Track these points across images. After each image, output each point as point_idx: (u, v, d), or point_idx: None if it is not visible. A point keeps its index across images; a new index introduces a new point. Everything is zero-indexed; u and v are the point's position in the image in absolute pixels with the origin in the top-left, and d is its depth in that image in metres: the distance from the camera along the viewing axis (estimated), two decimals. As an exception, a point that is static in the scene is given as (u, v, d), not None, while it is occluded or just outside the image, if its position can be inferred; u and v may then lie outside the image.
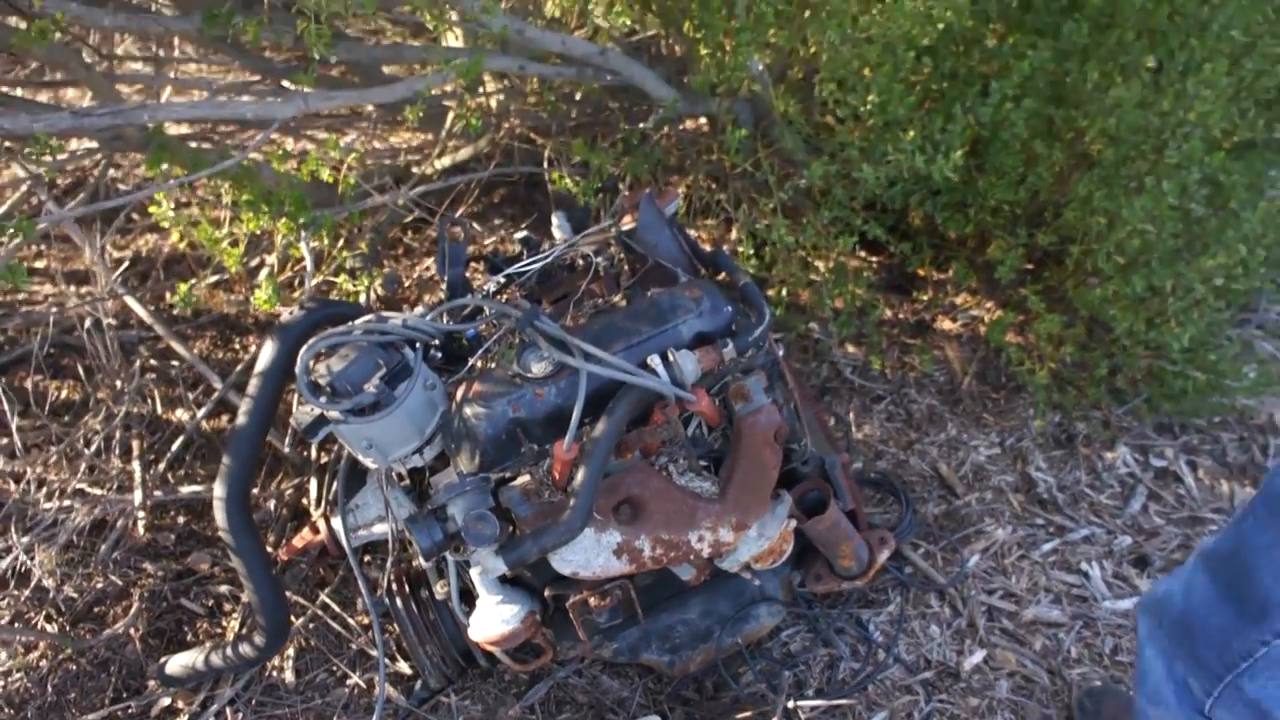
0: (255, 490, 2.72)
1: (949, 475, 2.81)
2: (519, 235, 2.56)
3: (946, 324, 3.23)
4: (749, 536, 2.02)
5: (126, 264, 3.47)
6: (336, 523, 2.26)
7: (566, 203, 2.84)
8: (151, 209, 2.34)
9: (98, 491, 2.72)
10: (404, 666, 2.41)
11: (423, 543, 1.87)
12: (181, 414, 2.99)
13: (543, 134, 2.79)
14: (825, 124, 2.79)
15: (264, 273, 2.60)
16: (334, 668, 2.41)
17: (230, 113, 2.16)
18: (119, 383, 2.82)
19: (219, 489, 2.14)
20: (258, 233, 2.45)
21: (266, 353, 2.15)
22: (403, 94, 2.18)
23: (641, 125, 2.70)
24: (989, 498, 2.75)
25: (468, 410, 1.94)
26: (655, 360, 1.89)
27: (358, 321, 2.08)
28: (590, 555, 1.94)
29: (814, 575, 2.28)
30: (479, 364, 2.10)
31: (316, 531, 2.35)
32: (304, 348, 2.00)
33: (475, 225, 3.34)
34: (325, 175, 2.44)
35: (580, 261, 2.36)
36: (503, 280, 2.33)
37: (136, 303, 2.77)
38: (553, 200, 3.02)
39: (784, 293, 2.96)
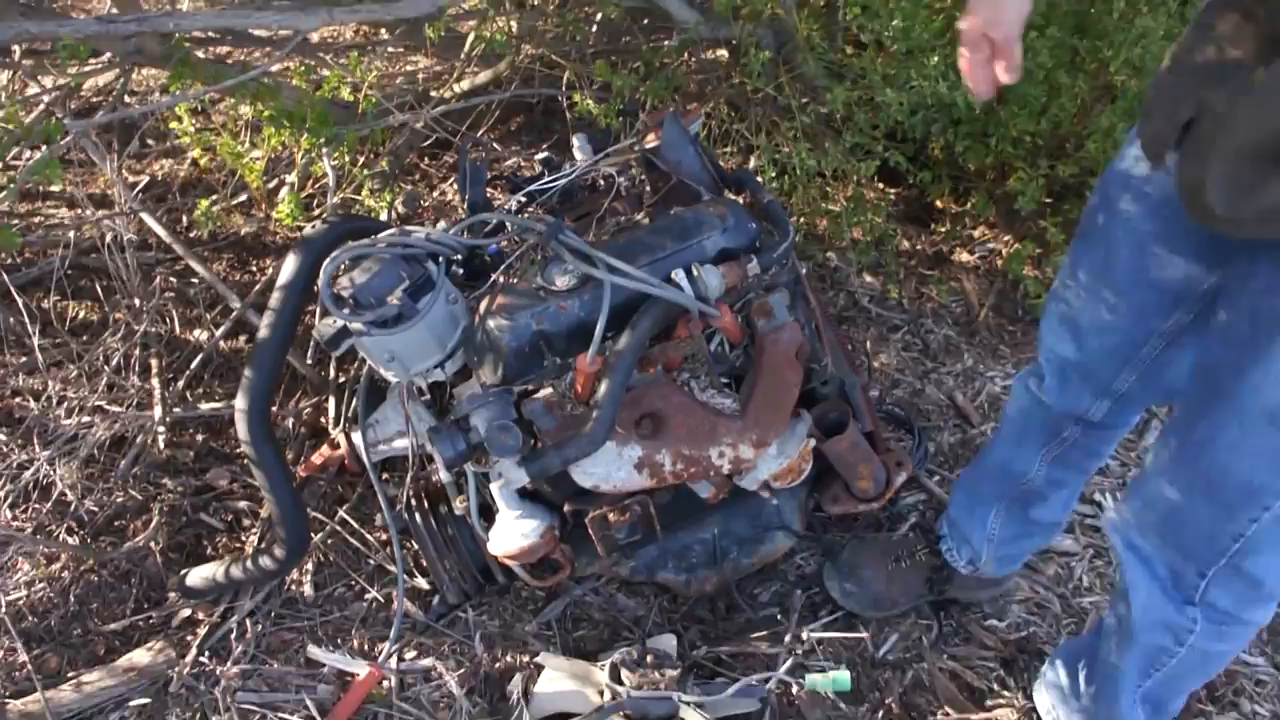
0: (274, 409, 2.73)
1: (965, 405, 2.82)
2: (540, 156, 2.55)
3: (964, 256, 3.22)
4: (769, 454, 2.03)
5: (142, 187, 3.47)
6: (357, 437, 2.28)
7: (587, 124, 2.82)
8: (173, 124, 2.34)
9: (117, 409, 2.73)
10: (422, 582, 2.43)
11: (445, 453, 1.88)
12: (200, 334, 3.00)
13: (563, 59, 2.76)
14: (848, 51, 2.76)
15: (284, 190, 2.58)
16: (352, 582, 2.44)
17: (255, 21, 2.15)
18: (137, 301, 2.82)
19: (240, 401, 2.14)
20: (278, 152, 2.44)
21: (289, 266, 2.15)
22: (426, 8, 2.17)
23: (665, 44, 2.67)
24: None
25: (491, 323, 1.94)
26: (679, 274, 1.89)
27: (381, 235, 2.08)
28: (612, 468, 1.96)
29: (831, 496, 2.29)
30: (502, 279, 2.11)
31: (336, 447, 2.37)
32: (327, 260, 2.00)
33: (496, 146, 3.33)
34: (345, 94, 2.42)
35: (602, 181, 2.35)
36: (524, 199, 2.33)
37: (155, 222, 2.76)
38: (571, 124, 3.00)
39: (802, 221, 2.95)
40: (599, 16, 2.87)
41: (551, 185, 2.29)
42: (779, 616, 2.35)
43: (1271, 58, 1.29)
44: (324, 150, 2.25)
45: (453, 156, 3.61)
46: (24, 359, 2.87)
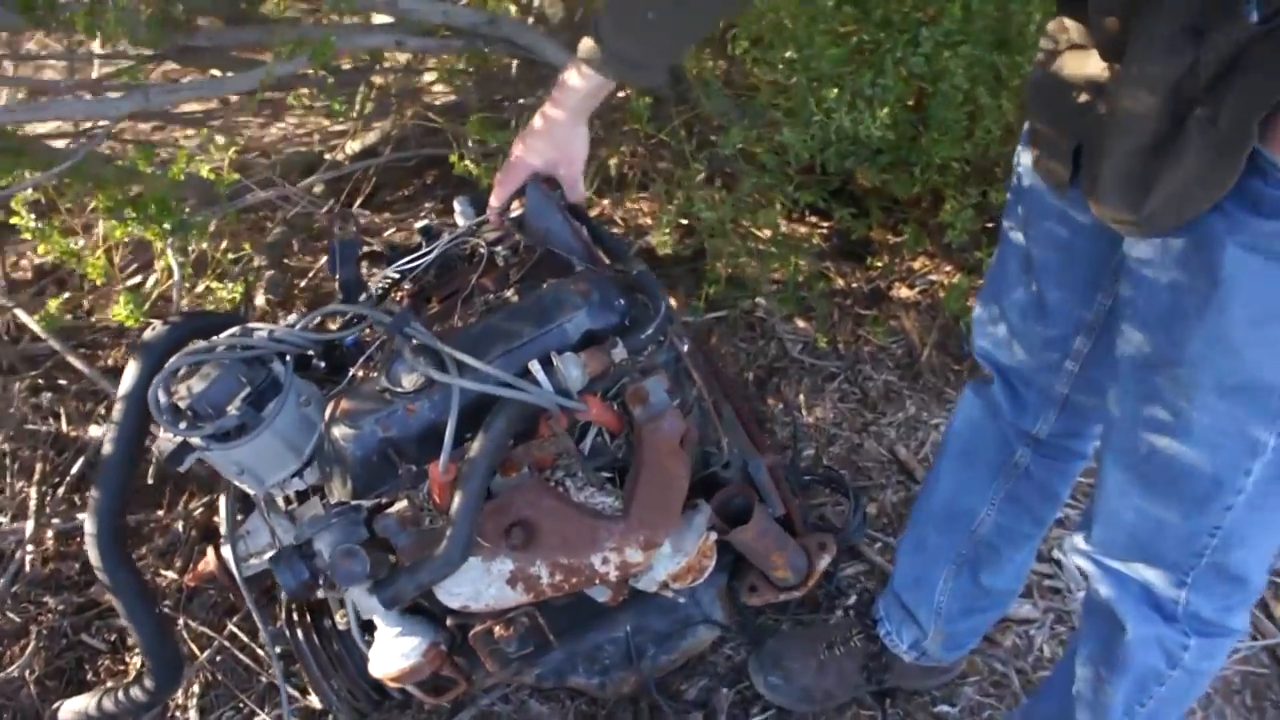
0: (161, 512, 2.54)
1: (908, 459, 2.61)
2: (419, 225, 2.36)
3: (904, 291, 3.01)
4: (662, 554, 1.82)
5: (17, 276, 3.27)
6: (226, 551, 2.08)
7: (472, 186, 2.63)
8: (14, 219, 2.14)
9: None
10: (316, 701, 2.22)
11: (287, 582, 1.68)
12: (93, 430, 2.80)
13: (452, 112, 2.57)
14: (752, 83, 2.56)
15: (130, 286, 2.38)
16: (241, 705, 2.23)
17: (56, 113, 1.96)
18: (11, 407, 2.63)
19: (89, 524, 1.95)
20: (122, 243, 2.25)
21: (129, 375, 1.96)
22: (249, 83, 1.97)
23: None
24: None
25: (335, 431, 1.74)
26: (536, 366, 1.68)
27: (220, 336, 1.89)
28: (480, 586, 1.75)
29: (748, 586, 2.09)
30: (360, 374, 1.91)
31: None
32: (163, 369, 1.81)
33: (374, 217, 3.12)
34: (204, 171, 2.23)
35: (483, 252, 2.15)
36: (394, 276, 2.13)
37: (27, 316, 2.56)
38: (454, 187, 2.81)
39: (720, 265, 2.75)
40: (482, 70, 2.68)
41: (416, 261, 2.08)
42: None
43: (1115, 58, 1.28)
44: (169, 241, 2.06)
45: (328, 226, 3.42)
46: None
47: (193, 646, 2.28)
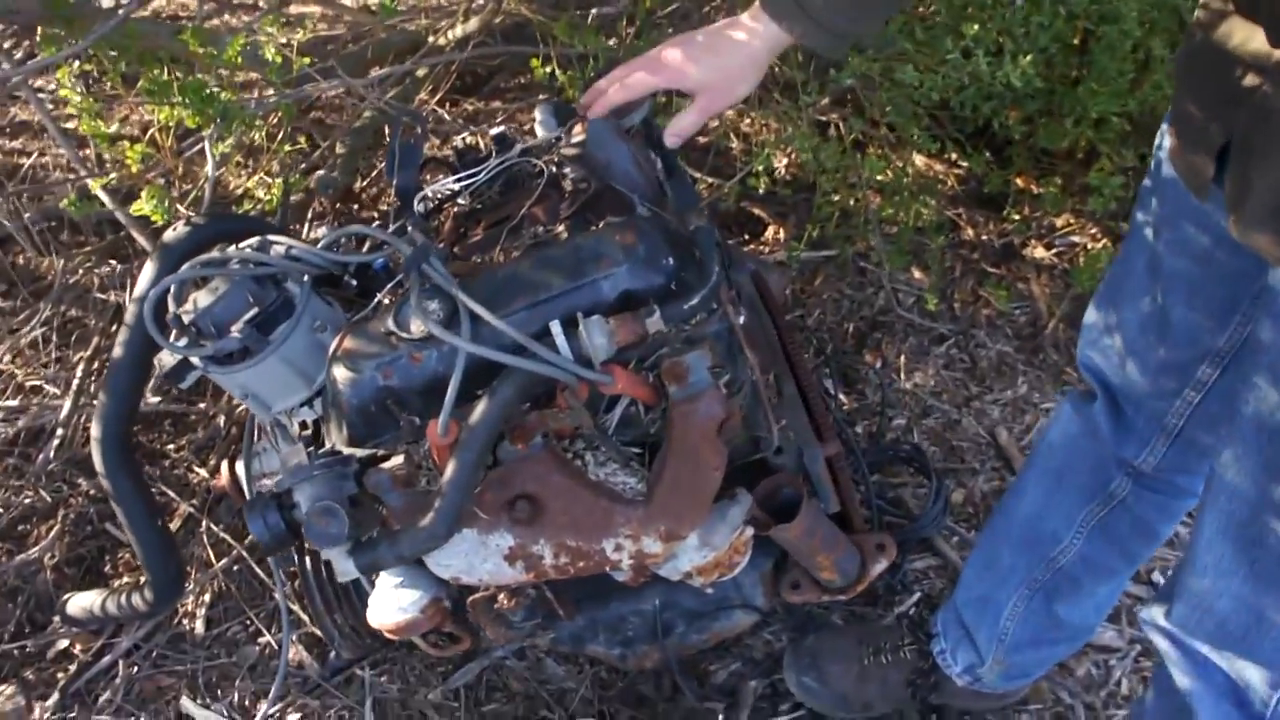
0: (204, 404, 2.43)
1: (1008, 445, 2.33)
2: (494, 131, 2.14)
3: (1039, 251, 2.68)
4: (688, 546, 1.62)
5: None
6: (240, 467, 1.95)
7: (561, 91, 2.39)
8: (63, 91, 2.00)
9: (52, 389, 2.48)
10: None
11: (259, 533, 1.52)
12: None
13: (532, 12, 2.32)
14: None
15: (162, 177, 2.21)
16: (248, 621, 2.13)
17: None
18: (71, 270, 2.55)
19: (95, 428, 1.84)
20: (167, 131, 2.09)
21: (145, 276, 1.82)
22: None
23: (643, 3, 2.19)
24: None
25: (334, 372, 1.57)
26: (556, 328, 1.47)
27: (233, 247, 1.72)
28: (474, 559, 1.58)
29: (790, 582, 1.87)
30: (386, 301, 1.73)
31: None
32: (162, 281, 1.66)
33: (446, 117, 2.90)
34: (270, 54, 2.04)
35: (546, 172, 1.93)
36: (446, 193, 1.93)
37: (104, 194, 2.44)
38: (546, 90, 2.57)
39: (833, 200, 2.46)
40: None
41: (468, 180, 1.88)
42: (722, 714, 1.96)
43: None
44: (210, 131, 1.89)
45: (477, 104, 3.21)
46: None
47: (210, 553, 2.18)
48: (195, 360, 1.66)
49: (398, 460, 1.56)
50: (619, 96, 1.58)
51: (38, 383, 2.49)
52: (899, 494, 2.24)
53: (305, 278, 1.70)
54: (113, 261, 2.70)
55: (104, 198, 2.26)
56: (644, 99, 1.84)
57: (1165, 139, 1.31)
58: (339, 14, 2.83)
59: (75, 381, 2.39)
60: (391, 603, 1.72)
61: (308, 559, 1.94)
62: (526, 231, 1.79)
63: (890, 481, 2.27)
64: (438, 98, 3.08)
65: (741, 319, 1.61)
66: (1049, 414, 2.37)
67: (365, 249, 1.79)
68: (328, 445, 1.65)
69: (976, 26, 1.94)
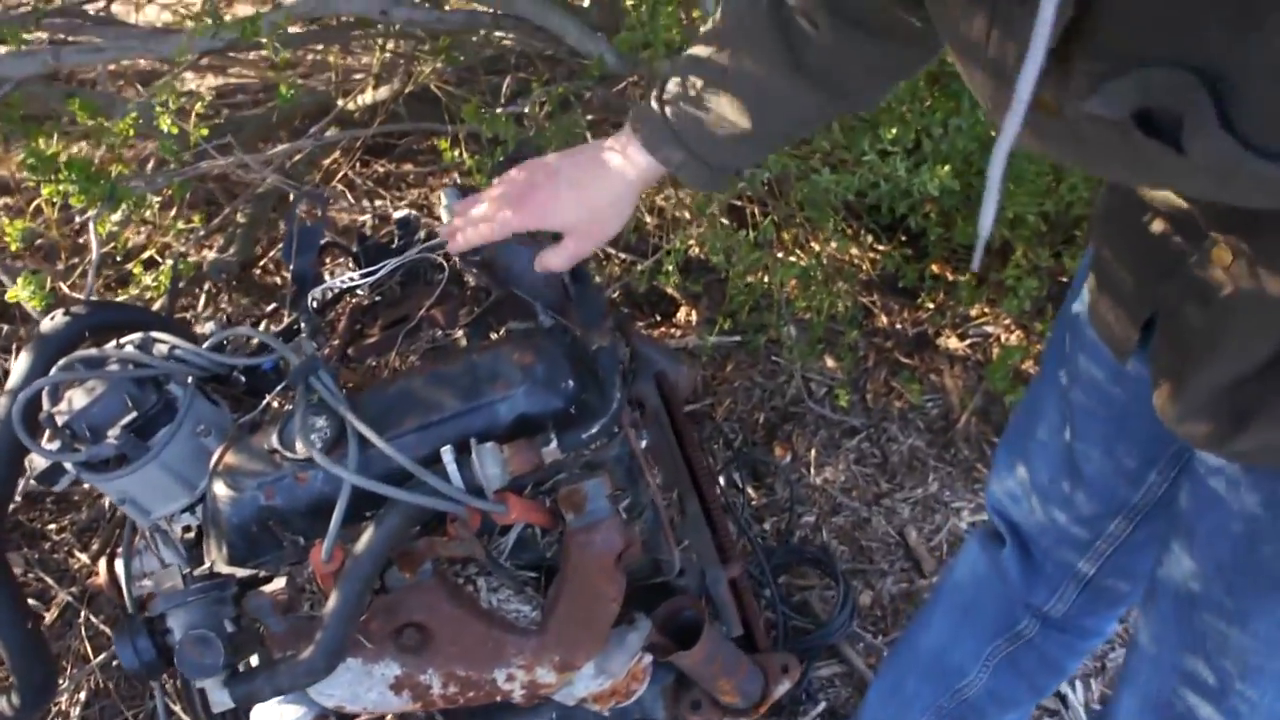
0: (87, 485, 2.31)
1: (918, 545, 2.30)
2: (398, 215, 2.07)
3: (952, 341, 2.67)
4: (584, 674, 1.56)
5: None
6: (119, 566, 1.85)
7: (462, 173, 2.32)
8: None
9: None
10: (208, 730, 2.01)
11: (128, 663, 1.43)
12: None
13: (444, 87, 2.26)
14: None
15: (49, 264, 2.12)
16: (125, 723, 2.03)
17: None
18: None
19: (-40, 523, 1.73)
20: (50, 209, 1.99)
21: (19, 368, 1.71)
22: (166, 48, 1.69)
23: (555, 88, 2.13)
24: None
25: (215, 488, 1.49)
26: (448, 455, 1.40)
27: (113, 345, 1.64)
28: (358, 689, 1.51)
29: (690, 701, 1.82)
30: (275, 404, 1.65)
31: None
32: (33, 383, 1.57)
33: (349, 198, 2.82)
34: (164, 124, 1.96)
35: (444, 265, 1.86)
36: (338, 290, 1.86)
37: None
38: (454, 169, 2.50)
39: (743, 288, 2.42)
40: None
41: (365, 279, 1.81)
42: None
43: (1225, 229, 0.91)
44: (92, 214, 1.79)
45: (388, 165, 3.14)
46: None
47: (87, 646, 2.07)
48: (68, 465, 1.57)
49: (279, 584, 1.48)
50: (478, 236, 1.46)
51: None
52: (805, 597, 2.20)
53: (189, 380, 1.62)
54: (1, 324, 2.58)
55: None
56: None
57: (1084, 288, 1.25)
58: (240, 83, 2.75)
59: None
60: (273, 718, 1.64)
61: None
62: (425, 333, 1.72)
63: (797, 583, 2.23)
64: (349, 160, 3.01)
65: (644, 442, 1.56)
66: (960, 515, 2.35)
67: (251, 349, 1.72)
68: (207, 562, 1.56)
69: (895, 129, 1.92)
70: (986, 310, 2.71)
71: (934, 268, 2.72)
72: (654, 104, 1.28)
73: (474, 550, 1.46)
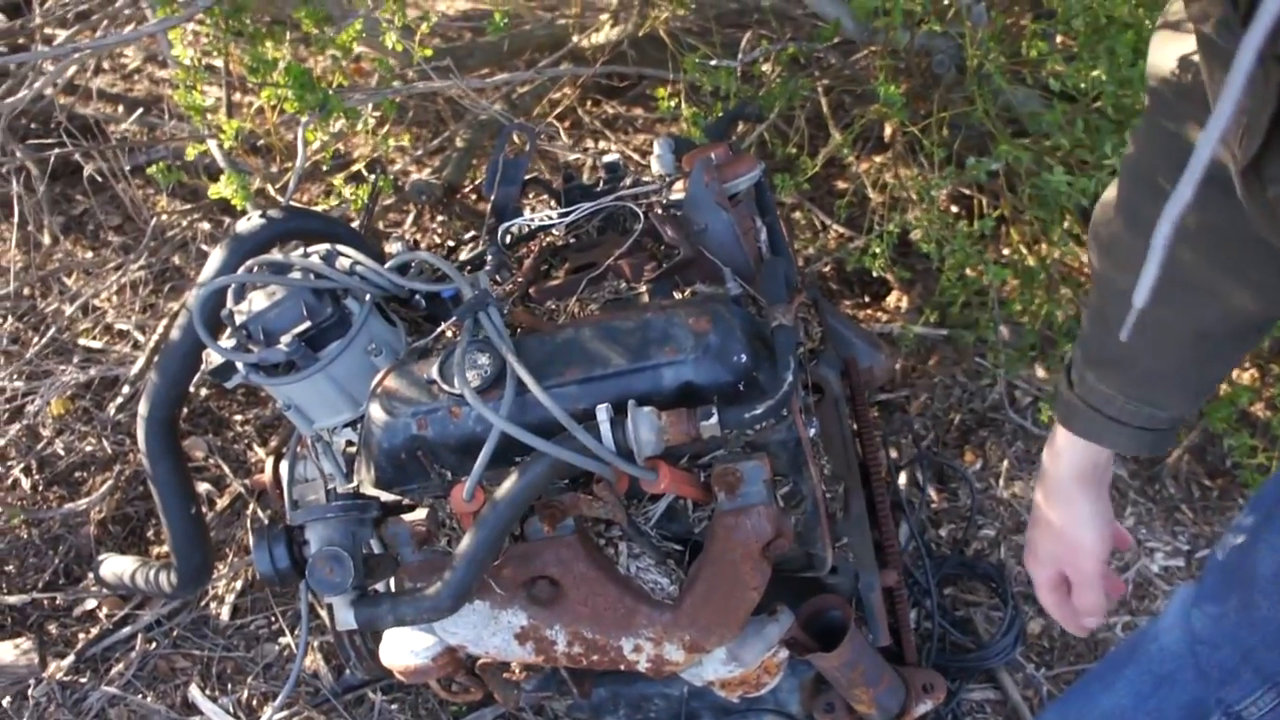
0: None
1: (1100, 580, 2.13)
2: (607, 158, 2.03)
3: (1179, 370, 2.45)
4: (714, 658, 1.50)
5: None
6: (284, 466, 1.89)
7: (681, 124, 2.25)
8: (174, 51, 1.95)
9: (137, 337, 2.46)
10: (350, 640, 2.04)
11: (262, 568, 1.44)
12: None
13: (674, 36, 2.19)
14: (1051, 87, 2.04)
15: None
16: (273, 618, 2.08)
17: None
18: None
19: (142, 406, 1.80)
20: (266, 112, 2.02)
21: (212, 264, 1.77)
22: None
23: (786, 46, 2.01)
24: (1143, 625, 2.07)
25: (372, 410, 1.48)
26: (603, 413, 1.35)
27: (298, 254, 1.65)
28: (483, 632, 1.48)
29: (825, 704, 1.73)
30: (450, 333, 1.63)
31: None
32: (219, 279, 1.60)
33: (563, 136, 2.77)
34: (390, 42, 1.96)
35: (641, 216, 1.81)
36: (533, 226, 1.83)
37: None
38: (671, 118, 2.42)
39: (956, 280, 2.28)
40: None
41: (560, 218, 1.77)
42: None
43: None
44: (304, 121, 1.81)
45: (618, 108, 3.10)
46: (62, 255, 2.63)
47: (250, 538, 2.13)
48: (239, 365, 1.60)
49: (420, 514, 1.47)
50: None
51: (125, 327, 2.48)
52: (970, 614, 2.07)
53: (367, 297, 1.62)
54: (223, 217, 2.68)
55: (217, 155, 2.21)
56: (753, 164, 1.71)
57: None
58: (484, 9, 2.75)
59: (156, 335, 2.36)
60: (405, 645, 1.64)
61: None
62: (609, 284, 1.67)
63: (963, 598, 2.10)
64: (579, 98, 2.98)
65: (813, 430, 1.47)
66: (1153, 557, 2.17)
67: (435, 275, 1.71)
68: (355, 480, 1.56)
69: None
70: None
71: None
72: (1068, 392, 1.24)
73: (616, 514, 1.40)
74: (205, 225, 2.59)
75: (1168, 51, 1.00)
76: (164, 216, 2.52)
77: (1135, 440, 1.21)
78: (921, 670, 1.72)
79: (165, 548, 2.17)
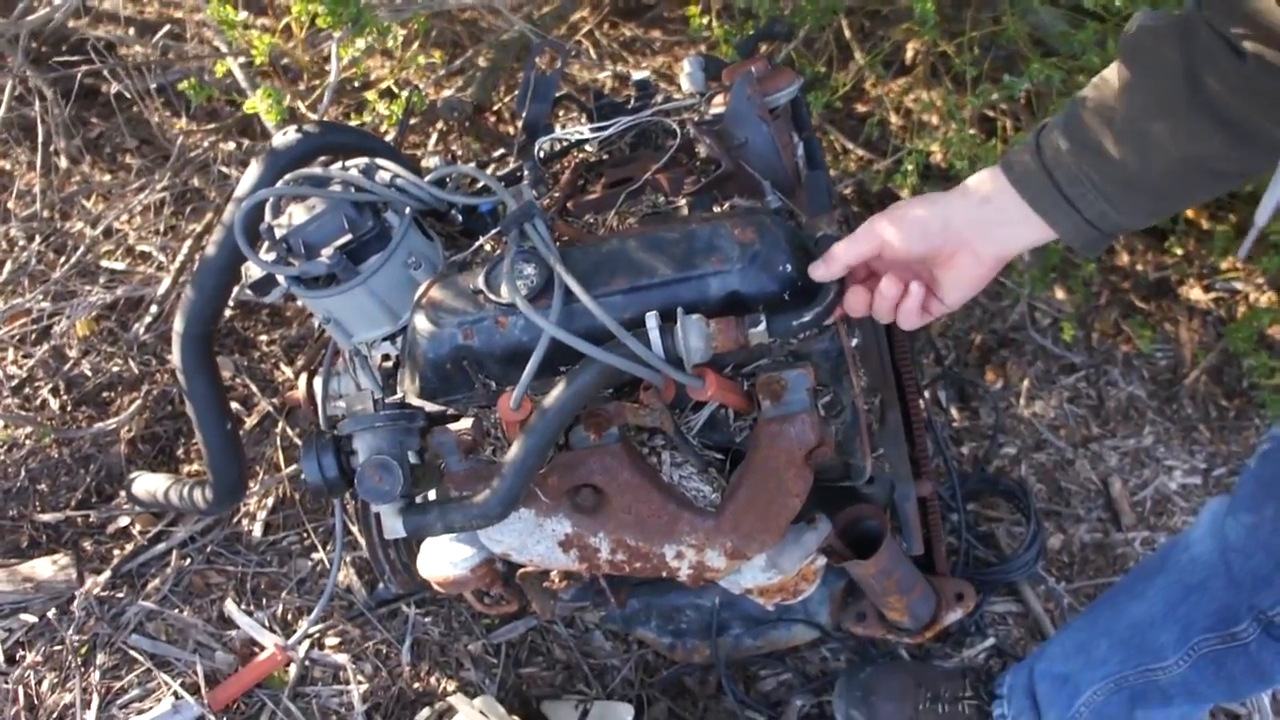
0: (298, 303, 2.39)
1: (1120, 498, 2.17)
2: (637, 75, 2.03)
3: (1195, 292, 2.48)
4: (753, 565, 1.53)
5: None
6: (318, 384, 1.90)
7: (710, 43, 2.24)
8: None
9: (160, 258, 2.46)
10: (382, 555, 2.07)
11: (311, 475, 1.46)
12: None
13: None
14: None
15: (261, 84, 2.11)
16: (305, 534, 2.10)
17: None
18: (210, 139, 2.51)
19: (178, 323, 1.81)
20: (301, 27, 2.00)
21: (248, 178, 1.76)
22: None
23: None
24: (1162, 542, 2.10)
25: (417, 321, 1.49)
26: (652, 321, 1.36)
27: (338, 166, 1.65)
28: (528, 539, 1.51)
29: (857, 612, 1.77)
30: (489, 246, 1.64)
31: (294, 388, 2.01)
32: (259, 192, 1.60)
33: (592, 52, 2.76)
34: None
35: (676, 132, 1.81)
36: (569, 141, 1.83)
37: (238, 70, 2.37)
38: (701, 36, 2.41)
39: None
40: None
41: (585, 136, 1.77)
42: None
43: None
44: (337, 36, 1.80)
45: (635, 30, 3.08)
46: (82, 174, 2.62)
47: (281, 457, 2.15)
48: (280, 278, 1.61)
49: (466, 424, 1.49)
50: (850, 252, 1.32)
51: (148, 249, 2.47)
52: (992, 529, 2.10)
53: (407, 211, 1.62)
54: (242, 139, 2.66)
55: (238, 75, 2.20)
56: (793, 78, 1.71)
57: None
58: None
59: (180, 256, 2.36)
60: (443, 556, 1.66)
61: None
62: (646, 198, 1.68)
63: (986, 514, 2.13)
64: (598, 18, 2.96)
65: (855, 340, 1.49)
66: (1171, 474, 2.20)
67: (473, 189, 1.71)
68: (400, 392, 1.58)
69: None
70: (1240, 265, 2.49)
71: (1189, 211, 2.52)
72: (1031, 157, 1.17)
73: (663, 422, 1.42)
74: (228, 145, 2.57)
75: None
76: (186, 138, 2.51)
77: (1078, 231, 1.16)
78: (953, 580, 1.75)
79: (196, 466, 2.19)
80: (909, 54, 2.59)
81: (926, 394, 2.28)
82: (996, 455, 2.22)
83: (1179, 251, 2.48)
